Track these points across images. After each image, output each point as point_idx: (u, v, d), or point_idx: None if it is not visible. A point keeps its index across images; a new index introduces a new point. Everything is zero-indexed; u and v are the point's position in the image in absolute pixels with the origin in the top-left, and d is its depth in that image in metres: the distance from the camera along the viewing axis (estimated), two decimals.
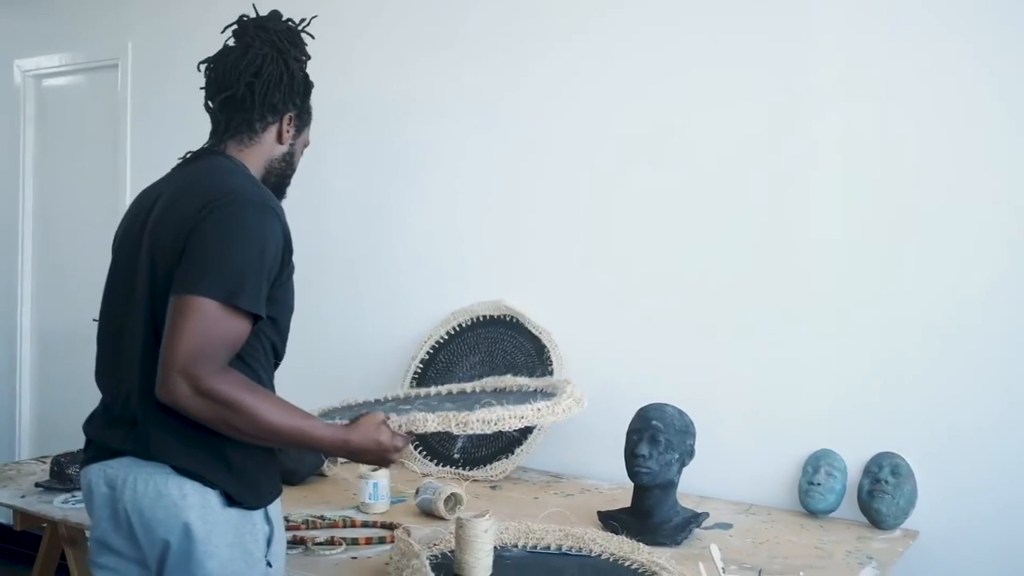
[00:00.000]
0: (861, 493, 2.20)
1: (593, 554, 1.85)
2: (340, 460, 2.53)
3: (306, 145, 1.85)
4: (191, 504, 1.53)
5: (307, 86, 1.78)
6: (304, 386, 3.08)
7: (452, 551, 1.76)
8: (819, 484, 2.23)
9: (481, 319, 2.79)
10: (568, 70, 2.71)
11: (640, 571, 1.77)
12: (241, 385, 1.50)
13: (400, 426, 1.63)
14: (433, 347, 2.81)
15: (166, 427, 1.53)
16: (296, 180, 3.29)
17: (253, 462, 1.59)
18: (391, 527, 2.08)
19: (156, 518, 1.53)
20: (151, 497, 1.54)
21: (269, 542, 1.62)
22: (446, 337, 2.81)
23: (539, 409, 1.68)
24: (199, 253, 1.50)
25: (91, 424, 1.68)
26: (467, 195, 2.88)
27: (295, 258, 1.64)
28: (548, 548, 1.89)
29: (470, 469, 2.56)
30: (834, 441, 2.31)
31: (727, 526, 2.15)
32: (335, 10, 3.16)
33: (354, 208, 3.11)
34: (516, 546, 1.89)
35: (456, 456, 2.61)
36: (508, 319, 2.74)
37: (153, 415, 1.53)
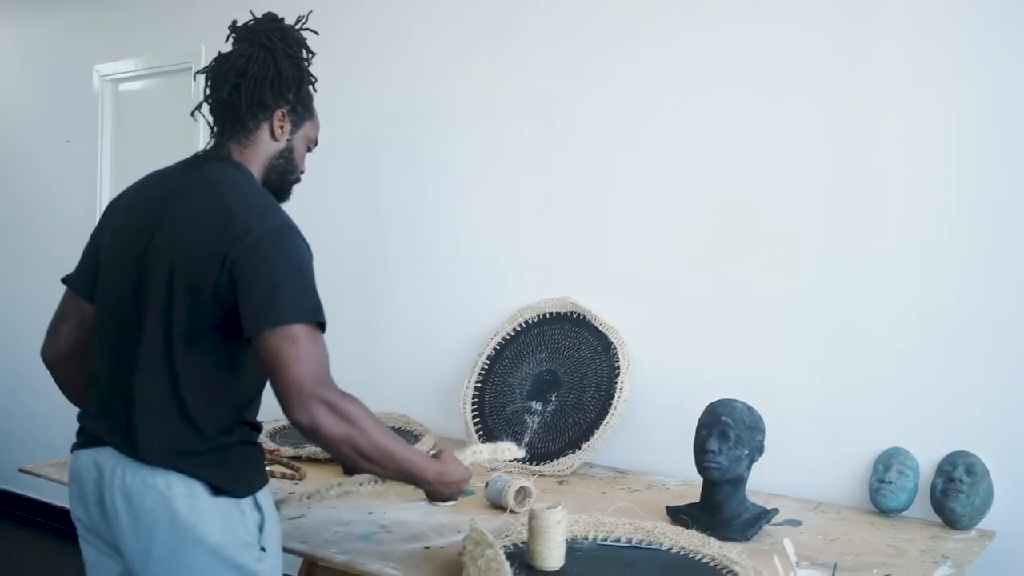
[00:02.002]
0: (934, 492, 2.17)
1: (663, 547, 1.86)
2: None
3: (313, 143, 1.86)
4: (177, 494, 1.59)
5: (300, 81, 1.78)
6: (373, 384, 3.15)
7: (524, 542, 1.79)
8: (891, 482, 2.21)
9: (547, 316, 2.81)
10: (634, 71, 2.72)
11: (711, 565, 1.77)
12: (363, 407, 1.60)
13: (464, 458, 1.81)
14: (500, 343, 2.84)
15: (159, 432, 1.61)
16: (362, 178, 3.35)
17: (237, 453, 1.66)
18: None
19: (144, 507, 1.60)
20: (138, 487, 1.60)
21: (261, 528, 1.67)
22: (512, 334, 2.84)
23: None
24: (268, 284, 1.56)
25: (84, 414, 1.75)
26: (534, 193, 2.91)
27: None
28: (618, 541, 1.90)
29: (537, 464, 2.58)
30: (905, 439, 2.28)
31: (796, 523, 2.14)
32: (395, 11, 3.21)
33: (421, 207, 3.16)
34: (587, 538, 1.90)
35: (523, 451, 2.63)
36: (575, 316, 2.76)
37: (149, 421, 1.61)
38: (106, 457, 1.65)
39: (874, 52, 2.34)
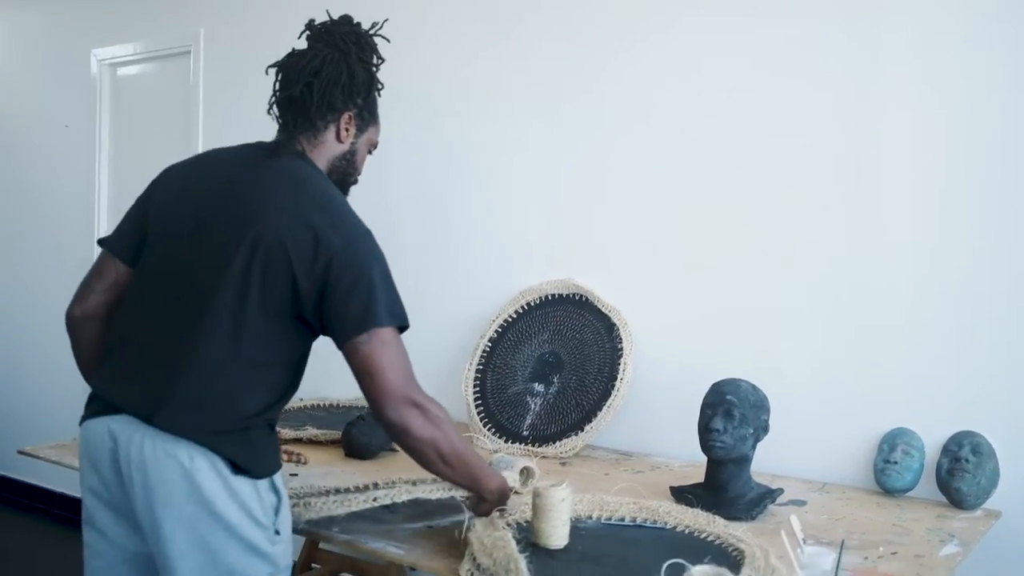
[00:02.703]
0: (940, 472, 2.16)
1: (668, 526, 1.85)
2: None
3: (373, 146, 1.89)
4: (199, 467, 1.58)
5: (370, 87, 1.80)
6: None
7: (528, 521, 1.77)
8: (896, 462, 2.20)
9: (550, 297, 2.80)
10: (638, 55, 2.70)
11: (716, 543, 1.76)
12: (446, 412, 1.69)
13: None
14: (502, 326, 2.83)
15: (195, 403, 1.60)
16: (367, 159, 3.32)
17: (259, 434, 1.66)
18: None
19: (161, 477, 1.57)
20: (159, 456, 1.58)
21: (277, 511, 1.67)
22: (515, 316, 2.83)
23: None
24: (363, 290, 1.62)
25: (101, 379, 1.72)
26: (535, 175, 2.89)
27: None
28: (623, 520, 1.89)
29: (539, 446, 2.57)
30: (910, 419, 2.27)
31: (802, 503, 2.13)
32: (400, 8, 3.19)
33: (425, 189, 3.14)
34: (591, 517, 1.89)
35: (525, 433, 2.62)
36: (577, 297, 2.75)
37: (190, 390, 1.60)
38: (122, 424, 1.62)
39: (874, 51, 2.32)
